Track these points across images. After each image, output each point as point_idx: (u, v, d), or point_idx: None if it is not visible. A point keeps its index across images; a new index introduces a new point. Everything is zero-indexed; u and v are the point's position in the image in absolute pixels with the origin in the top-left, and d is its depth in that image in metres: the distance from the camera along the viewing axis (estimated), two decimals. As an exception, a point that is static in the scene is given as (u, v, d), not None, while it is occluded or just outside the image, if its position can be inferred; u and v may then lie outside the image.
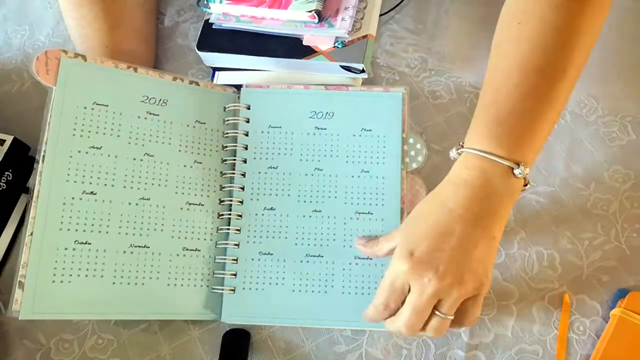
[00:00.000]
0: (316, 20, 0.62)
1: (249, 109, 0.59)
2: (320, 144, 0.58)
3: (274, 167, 0.57)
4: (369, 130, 0.57)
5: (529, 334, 0.54)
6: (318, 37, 0.64)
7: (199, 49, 0.65)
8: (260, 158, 0.58)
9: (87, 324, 0.55)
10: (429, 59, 0.67)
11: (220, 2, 0.65)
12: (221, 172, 0.58)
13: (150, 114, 0.56)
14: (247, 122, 0.59)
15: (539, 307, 0.55)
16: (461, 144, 0.47)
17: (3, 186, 0.59)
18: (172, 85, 0.58)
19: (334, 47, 0.63)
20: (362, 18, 0.65)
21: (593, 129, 0.63)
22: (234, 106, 0.59)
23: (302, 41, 0.64)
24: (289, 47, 0.64)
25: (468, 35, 0.69)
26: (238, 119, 0.59)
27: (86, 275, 0.50)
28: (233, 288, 0.54)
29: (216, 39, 0.66)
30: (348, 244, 0.54)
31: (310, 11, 0.61)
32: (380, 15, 0.68)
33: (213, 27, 0.66)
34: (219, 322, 0.54)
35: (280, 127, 0.58)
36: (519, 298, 0.55)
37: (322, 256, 0.54)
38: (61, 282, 0.49)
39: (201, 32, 0.67)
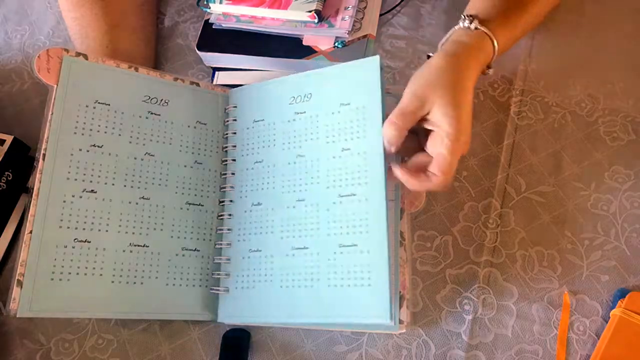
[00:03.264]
0: (316, 20, 0.62)
1: (235, 107, 0.59)
2: (301, 128, 0.55)
3: (259, 162, 0.56)
4: (347, 104, 0.53)
5: (529, 334, 0.54)
6: (318, 37, 0.64)
7: (199, 49, 0.65)
8: (247, 154, 0.57)
9: (87, 324, 0.55)
10: (429, 58, 0.67)
11: (220, 2, 0.65)
12: (221, 173, 0.58)
13: (151, 113, 0.56)
14: (235, 121, 0.59)
15: (539, 307, 0.55)
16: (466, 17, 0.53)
17: (3, 186, 0.59)
18: (173, 86, 0.58)
19: (334, 47, 0.63)
20: (362, 18, 0.65)
21: (593, 129, 0.63)
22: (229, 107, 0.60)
23: (302, 41, 0.64)
24: (289, 47, 0.64)
25: (468, 35, 0.68)
26: (228, 120, 0.59)
27: (85, 274, 0.50)
28: (227, 288, 0.53)
29: (216, 39, 0.66)
30: (332, 232, 0.51)
31: (310, 11, 0.61)
32: (380, 15, 0.68)
33: (213, 27, 0.66)
34: (216, 322, 0.54)
35: (263, 119, 0.57)
36: (519, 298, 0.55)
37: (307, 248, 0.51)
38: (60, 280, 0.49)
39: (201, 32, 0.67)
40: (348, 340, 0.54)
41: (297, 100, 0.56)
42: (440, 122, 0.48)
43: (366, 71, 0.53)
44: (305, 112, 0.55)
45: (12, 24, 0.75)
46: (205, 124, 0.58)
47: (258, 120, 0.57)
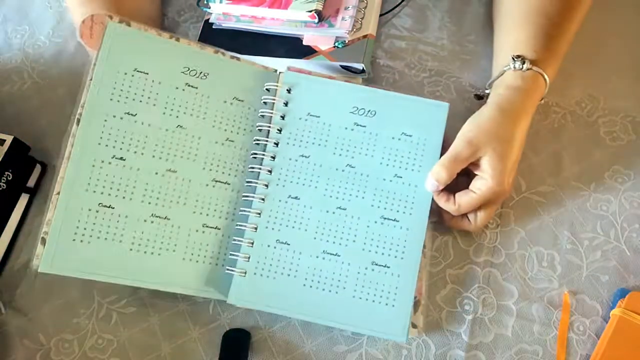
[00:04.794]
0: (316, 20, 0.62)
1: (289, 92, 0.57)
2: (357, 140, 0.56)
3: (305, 156, 0.56)
4: (410, 135, 0.56)
5: (529, 334, 0.54)
6: (318, 37, 0.64)
7: (199, 49, 0.65)
8: (294, 144, 0.56)
9: (87, 324, 0.55)
10: (429, 59, 0.67)
11: (220, 2, 0.65)
12: (253, 153, 0.56)
13: (188, 85, 0.55)
14: (285, 105, 0.57)
15: (539, 307, 0.55)
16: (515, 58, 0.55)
17: (3, 186, 0.59)
18: (213, 59, 0.57)
19: (334, 47, 0.63)
20: (362, 18, 0.65)
21: (593, 129, 0.63)
22: (275, 86, 0.58)
23: (302, 41, 0.64)
24: (289, 47, 0.64)
25: (468, 35, 0.69)
26: (276, 100, 0.57)
27: (105, 239, 0.51)
28: (244, 271, 0.53)
29: (216, 39, 0.66)
30: (367, 248, 0.53)
31: (311, 11, 0.61)
32: (380, 15, 0.68)
33: (213, 27, 0.66)
34: (220, 322, 0.54)
35: (319, 116, 0.57)
36: (519, 298, 0.55)
37: (339, 255, 0.53)
38: (81, 241, 0.50)
39: (201, 32, 0.67)
40: (348, 340, 0.54)
41: (359, 112, 0.57)
42: (486, 172, 0.51)
43: (435, 113, 0.56)
44: (366, 127, 0.56)
45: (12, 24, 0.75)
46: (242, 101, 0.57)
47: (313, 115, 0.57)
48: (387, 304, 0.52)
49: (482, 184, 0.52)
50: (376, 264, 0.53)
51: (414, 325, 0.52)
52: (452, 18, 0.70)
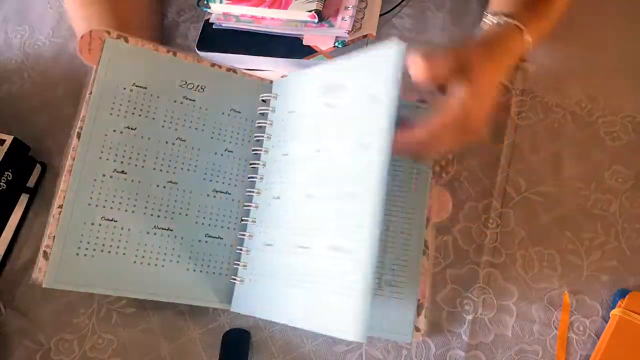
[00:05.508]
0: (316, 20, 0.62)
1: (277, 99, 0.57)
2: (324, 122, 0.51)
3: (285, 155, 0.55)
4: (376, 96, 0.46)
5: (529, 334, 0.54)
6: (318, 37, 0.64)
7: (199, 49, 0.66)
8: (278, 146, 0.56)
9: (87, 324, 0.55)
10: (429, 58, 0.67)
11: (220, 2, 0.65)
12: (250, 163, 0.57)
13: (186, 99, 0.56)
14: (274, 111, 0.57)
15: (539, 307, 0.55)
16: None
17: (3, 186, 0.59)
18: (210, 72, 0.57)
19: (334, 46, 0.63)
20: (362, 18, 0.65)
21: (593, 129, 0.63)
22: (267, 96, 0.58)
23: (302, 41, 0.64)
24: (289, 47, 0.64)
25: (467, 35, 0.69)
26: (268, 109, 0.57)
27: (109, 252, 0.51)
28: (242, 279, 0.53)
29: (216, 39, 0.66)
30: (329, 233, 0.46)
31: (311, 11, 0.61)
32: (380, 15, 0.68)
33: (213, 27, 0.66)
34: (220, 322, 0.54)
35: (294, 111, 0.55)
36: (519, 298, 0.55)
37: (310, 248, 0.48)
38: (85, 255, 0.50)
39: (201, 32, 0.67)
40: (348, 340, 0.54)
41: (327, 94, 0.51)
42: (450, 94, 0.47)
43: (385, 60, 0.45)
44: (335, 107, 0.50)
45: (12, 24, 0.75)
46: (239, 112, 0.58)
47: (291, 112, 0.56)
48: (345, 294, 0.43)
49: (444, 106, 0.47)
50: (335, 249, 0.45)
51: (417, 329, 0.51)
52: (452, 18, 0.70)
